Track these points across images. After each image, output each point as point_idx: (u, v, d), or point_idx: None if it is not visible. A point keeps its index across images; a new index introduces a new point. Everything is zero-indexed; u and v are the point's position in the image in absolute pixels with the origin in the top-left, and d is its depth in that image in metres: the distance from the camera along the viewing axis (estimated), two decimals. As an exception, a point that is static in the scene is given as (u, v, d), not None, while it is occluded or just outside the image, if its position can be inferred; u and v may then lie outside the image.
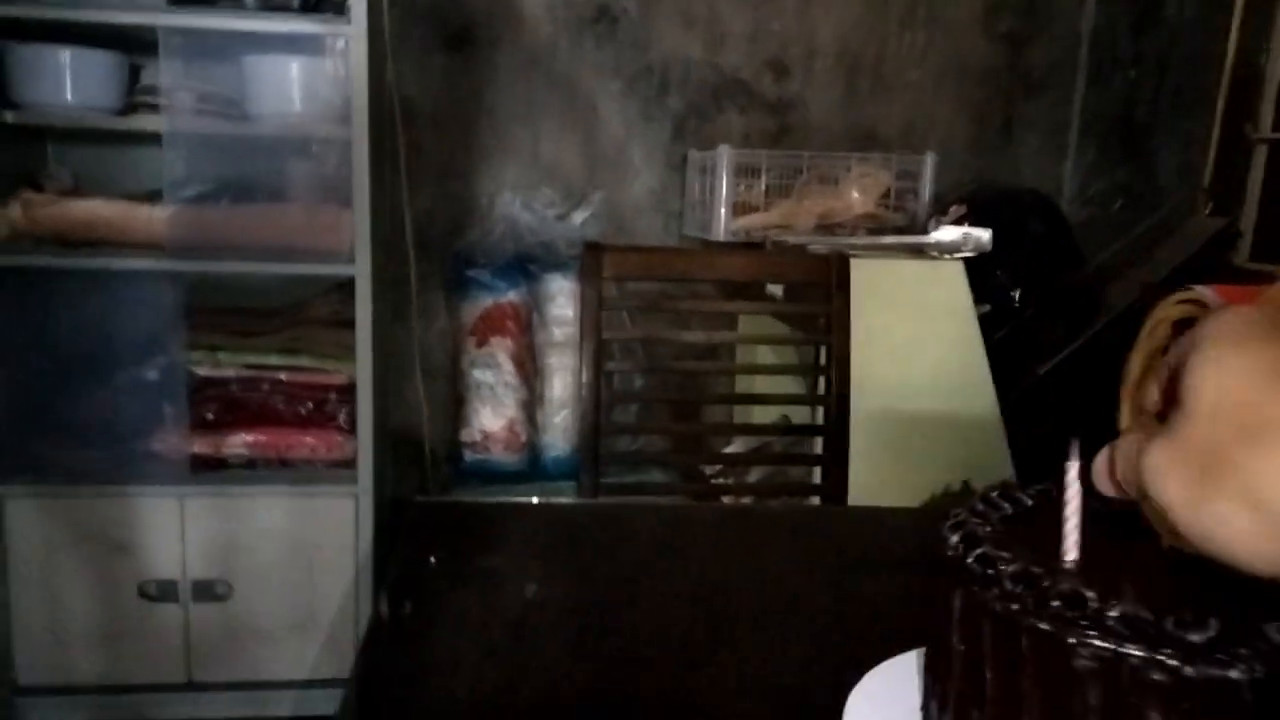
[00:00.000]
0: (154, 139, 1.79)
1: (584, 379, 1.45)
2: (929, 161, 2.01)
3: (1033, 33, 2.31)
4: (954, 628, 0.49)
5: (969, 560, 0.48)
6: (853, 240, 1.81)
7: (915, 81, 2.29)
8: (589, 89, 2.19)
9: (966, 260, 1.75)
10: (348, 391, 1.92)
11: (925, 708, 0.54)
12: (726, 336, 2.03)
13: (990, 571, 0.47)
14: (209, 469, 1.91)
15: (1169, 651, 0.41)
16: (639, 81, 2.20)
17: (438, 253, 2.19)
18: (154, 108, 1.76)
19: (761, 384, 1.76)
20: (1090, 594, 0.44)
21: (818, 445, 1.48)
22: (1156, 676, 0.41)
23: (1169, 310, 0.53)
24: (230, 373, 1.93)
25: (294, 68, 1.81)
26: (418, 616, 0.69)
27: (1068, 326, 1.81)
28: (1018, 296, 1.84)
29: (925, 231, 1.75)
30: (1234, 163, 1.86)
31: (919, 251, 1.75)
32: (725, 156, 1.94)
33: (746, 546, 0.91)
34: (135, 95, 1.82)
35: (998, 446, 1.70)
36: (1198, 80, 1.97)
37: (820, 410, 1.52)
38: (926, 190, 2.02)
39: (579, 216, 2.05)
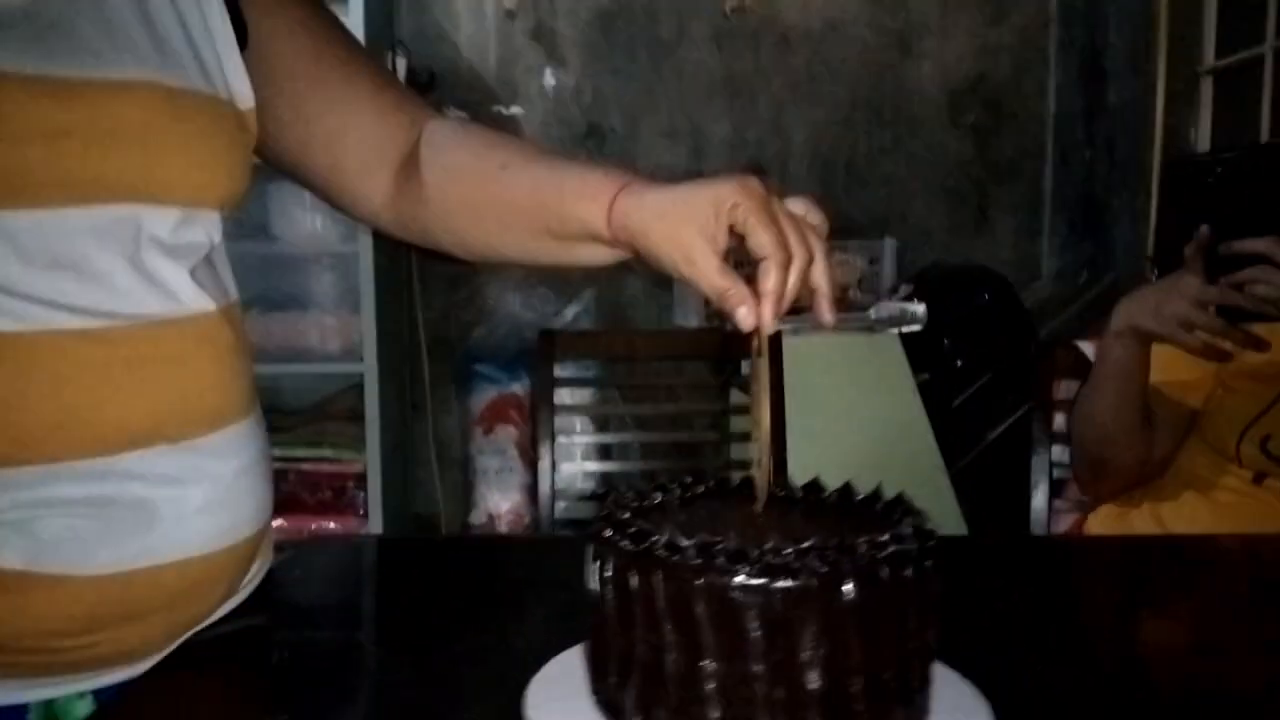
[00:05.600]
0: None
1: (538, 453, 1.62)
2: (888, 247, 2.17)
3: (998, 123, 2.47)
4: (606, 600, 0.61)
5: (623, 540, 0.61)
6: (793, 322, 1.96)
7: (888, 175, 2.47)
8: (582, 198, 2.42)
9: (913, 334, 1.89)
10: (364, 479, 2.13)
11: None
12: (664, 409, 2.15)
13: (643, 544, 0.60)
14: (246, 553, 2.13)
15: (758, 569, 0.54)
16: (627, 189, 2.42)
17: (451, 351, 2.41)
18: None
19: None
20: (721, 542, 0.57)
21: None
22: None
23: None
24: (262, 464, 2.16)
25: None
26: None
27: (1017, 392, 1.91)
28: (961, 364, 1.96)
29: (860, 309, 1.90)
30: (1175, 231, 1.96)
31: (869, 329, 1.90)
32: (695, 251, 2.13)
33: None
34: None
35: (947, 503, 1.79)
36: (1138, 157, 2.09)
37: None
38: (887, 273, 2.17)
39: (570, 312, 2.26)
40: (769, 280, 0.64)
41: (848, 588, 0.55)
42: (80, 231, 0.64)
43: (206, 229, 0.74)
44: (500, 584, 0.96)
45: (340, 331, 2.12)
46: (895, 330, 1.85)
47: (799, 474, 1.77)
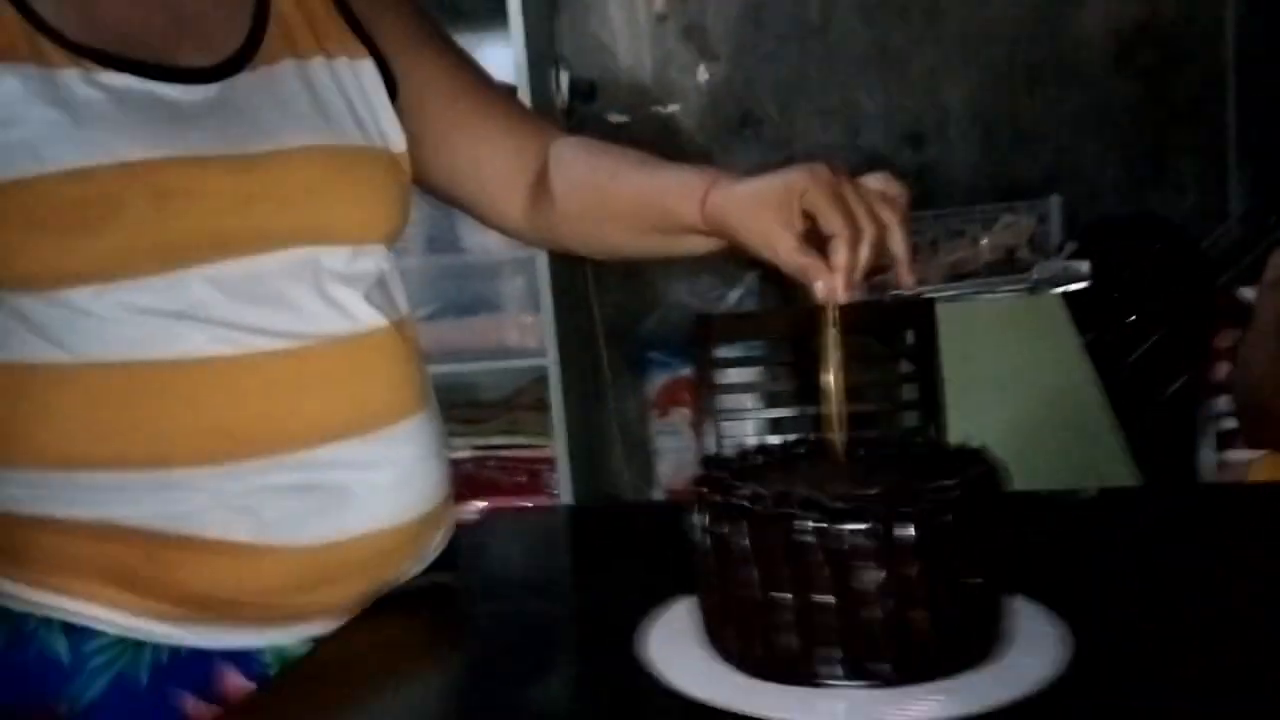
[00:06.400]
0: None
1: (699, 430, 1.73)
2: (1054, 204, 2.13)
3: (1173, 65, 2.36)
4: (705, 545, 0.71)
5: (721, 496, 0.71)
6: (956, 288, 1.97)
7: (1055, 131, 2.40)
8: (742, 185, 2.50)
9: (1081, 292, 1.86)
10: (553, 463, 2.31)
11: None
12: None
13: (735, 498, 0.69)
14: (455, 535, 2.36)
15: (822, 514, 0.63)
16: (785, 172, 2.48)
17: (627, 340, 2.56)
18: (389, 252, 2.29)
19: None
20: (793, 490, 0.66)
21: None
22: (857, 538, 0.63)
23: None
24: (464, 454, 2.39)
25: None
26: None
27: (1193, 345, 1.85)
28: (1133, 320, 1.90)
29: (1027, 270, 1.88)
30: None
31: (1031, 290, 1.88)
32: (850, 226, 2.17)
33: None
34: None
35: (1120, 461, 1.76)
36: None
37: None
38: (1055, 231, 2.13)
39: (733, 296, 2.35)
40: (838, 256, 0.72)
41: (904, 529, 0.62)
42: (273, 273, 0.80)
43: (376, 259, 0.89)
44: (656, 544, 1.08)
45: (525, 329, 2.30)
46: (1058, 290, 1.83)
47: (962, 438, 1.79)
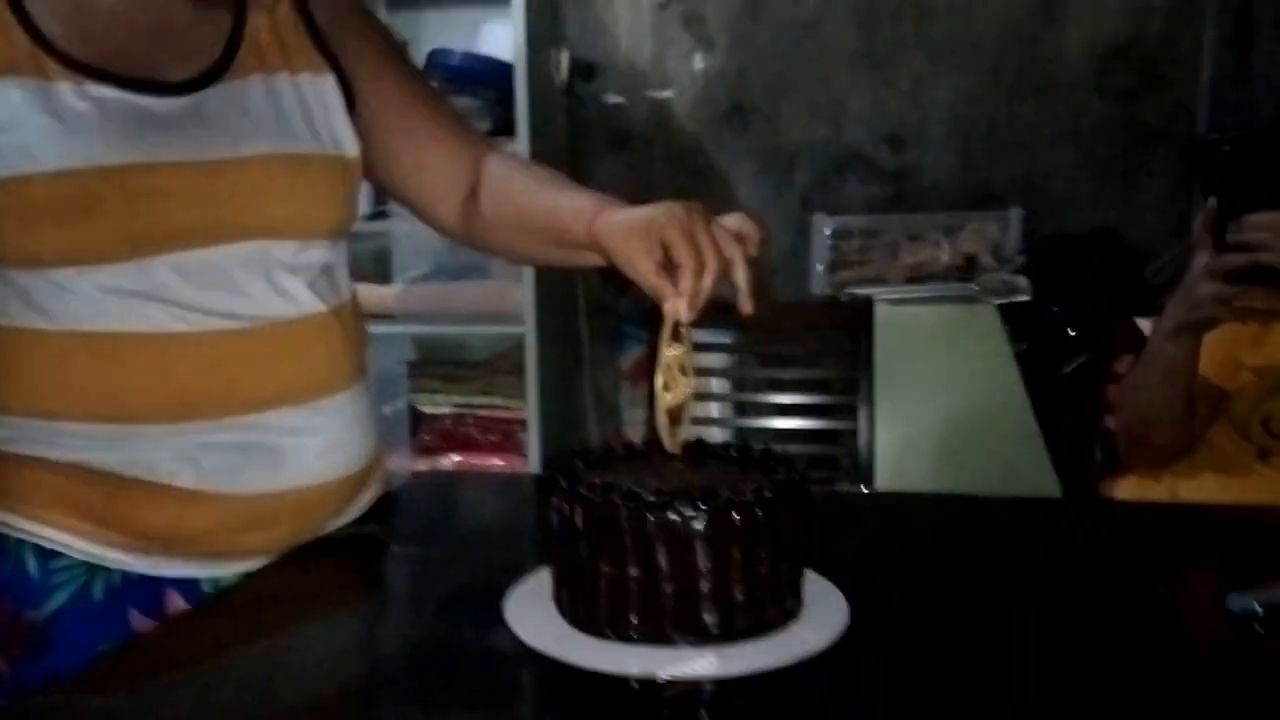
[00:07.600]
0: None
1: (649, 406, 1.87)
2: (1014, 216, 2.24)
3: (1148, 88, 2.44)
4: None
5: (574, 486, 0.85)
6: (901, 291, 2.08)
7: (1030, 143, 2.50)
8: (727, 173, 2.63)
9: (1022, 303, 1.98)
10: (526, 424, 2.46)
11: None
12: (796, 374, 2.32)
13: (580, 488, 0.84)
14: (435, 484, 2.53)
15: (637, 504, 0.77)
16: (770, 162, 2.60)
17: (608, 313, 2.70)
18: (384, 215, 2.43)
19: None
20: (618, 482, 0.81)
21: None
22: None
23: None
24: (445, 410, 2.55)
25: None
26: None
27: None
28: (1073, 333, 2.01)
29: (969, 280, 2.00)
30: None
31: (970, 299, 2.00)
32: (819, 222, 2.29)
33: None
34: (377, 205, 2.49)
35: (1041, 467, 1.89)
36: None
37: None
38: (1011, 244, 2.23)
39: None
40: (682, 283, 0.86)
41: (696, 522, 0.76)
42: (228, 261, 0.94)
43: (322, 251, 1.03)
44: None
45: (509, 297, 2.44)
46: (997, 301, 1.95)
47: (890, 437, 1.91)
